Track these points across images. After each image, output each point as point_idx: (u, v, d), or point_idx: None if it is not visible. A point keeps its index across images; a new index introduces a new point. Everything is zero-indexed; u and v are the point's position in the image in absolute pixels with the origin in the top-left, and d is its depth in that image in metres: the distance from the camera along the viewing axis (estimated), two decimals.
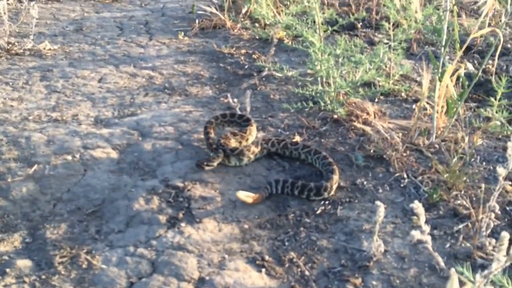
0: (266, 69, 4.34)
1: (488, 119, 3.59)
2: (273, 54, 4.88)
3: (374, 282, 2.29)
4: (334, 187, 2.88)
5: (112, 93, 4.37)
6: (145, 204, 2.84)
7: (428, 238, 2.01)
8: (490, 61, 4.85)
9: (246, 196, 2.80)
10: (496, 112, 3.39)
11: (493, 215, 2.35)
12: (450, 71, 3.31)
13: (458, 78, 3.46)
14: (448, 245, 2.49)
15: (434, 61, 3.32)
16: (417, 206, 2.04)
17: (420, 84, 4.35)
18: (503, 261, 1.85)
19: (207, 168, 3.12)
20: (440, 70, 3.29)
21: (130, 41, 5.78)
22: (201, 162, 3.12)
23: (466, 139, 3.14)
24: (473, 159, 3.15)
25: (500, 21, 5.90)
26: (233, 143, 3.26)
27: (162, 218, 2.72)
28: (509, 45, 5.20)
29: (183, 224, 2.67)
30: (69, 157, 3.31)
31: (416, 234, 2.00)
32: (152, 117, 3.86)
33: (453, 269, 1.96)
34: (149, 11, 7.20)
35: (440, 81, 3.27)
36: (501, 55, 5.06)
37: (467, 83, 3.24)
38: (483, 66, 3.31)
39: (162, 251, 2.49)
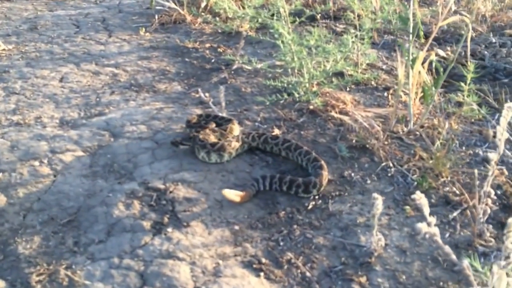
0: (236, 62, 4.05)
1: (459, 104, 3.47)
2: (239, 47, 4.58)
3: (379, 279, 2.08)
4: (324, 183, 2.64)
5: (75, 93, 3.95)
6: (126, 209, 2.51)
7: (436, 231, 1.83)
8: (449, 48, 4.77)
9: (234, 194, 2.52)
10: (467, 97, 3.27)
11: (489, 201, 2.19)
12: (421, 58, 3.16)
13: (430, 64, 3.31)
14: (447, 234, 2.31)
15: (404, 50, 3.14)
16: (419, 197, 1.85)
17: (387, 72, 4.20)
18: None
19: (181, 146, 2.94)
20: (410, 58, 3.11)
21: (89, 39, 5.32)
22: (176, 140, 2.96)
23: (446, 124, 2.98)
24: (453, 145, 3.00)
25: (450, 9, 5.85)
26: (212, 138, 2.97)
27: (146, 224, 2.40)
28: (463, 32, 5.12)
29: (169, 229, 2.36)
30: (36, 163, 2.92)
31: (423, 227, 1.81)
32: (122, 116, 3.49)
33: (466, 262, 1.78)
34: (105, 7, 6.71)
35: (412, 68, 3.10)
36: (456, 42, 4.99)
37: (442, 69, 3.08)
38: (458, 51, 3.17)
39: (151, 261, 2.18)
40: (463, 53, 4.67)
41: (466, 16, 5.82)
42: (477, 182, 2.33)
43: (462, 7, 6.05)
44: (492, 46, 4.83)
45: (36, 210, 2.54)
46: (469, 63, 3.07)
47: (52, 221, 2.46)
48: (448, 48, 4.76)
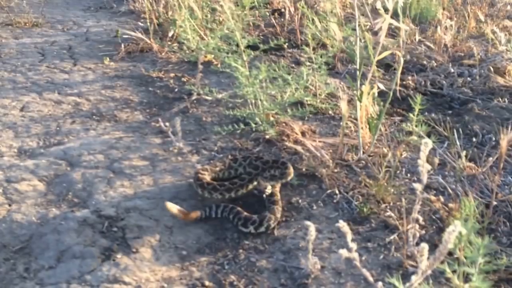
0: (195, 93, 4.34)
1: (409, 133, 3.79)
2: (203, 77, 4.88)
3: None
4: (266, 224, 2.78)
5: (36, 122, 4.19)
6: (77, 237, 2.73)
7: (355, 256, 2.08)
8: (410, 77, 5.13)
9: (178, 209, 2.79)
10: (416, 126, 3.60)
11: (417, 226, 2.47)
12: (366, 91, 3.49)
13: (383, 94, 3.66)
14: (381, 256, 2.58)
15: (351, 82, 3.47)
16: (342, 225, 2.12)
17: (348, 101, 4.51)
18: (425, 270, 1.96)
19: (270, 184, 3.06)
20: (358, 91, 3.44)
21: (53, 67, 5.58)
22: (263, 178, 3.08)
23: (390, 153, 3.28)
24: (398, 172, 3.30)
25: (415, 39, 6.29)
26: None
27: (96, 251, 2.62)
28: (425, 62, 5.52)
29: (118, 256, 2.59)
30: None
31: (343, 253, 2.07)
32: (80, 145, 3.73)
33: (380, 283, 2.05)
34: (72, 36, 7.00)
35: (360, 101, 3.43)
36: (419, 71, 5.37)
37: (382, 103, 3.41)
38: (397, 83, 3.50)
39: (97, 286, 2.39)
40: (423, 83, 5.05)
41: (430, 45, 6.25)
42: (407, 208, 2.62)
43: (428, 37, 6.47)
44: (450, 75, 5.22)
45: None
46: (418, 96, 3.39)
47: (4, 249, 2.67)
48: (410, 78, 5.12)
